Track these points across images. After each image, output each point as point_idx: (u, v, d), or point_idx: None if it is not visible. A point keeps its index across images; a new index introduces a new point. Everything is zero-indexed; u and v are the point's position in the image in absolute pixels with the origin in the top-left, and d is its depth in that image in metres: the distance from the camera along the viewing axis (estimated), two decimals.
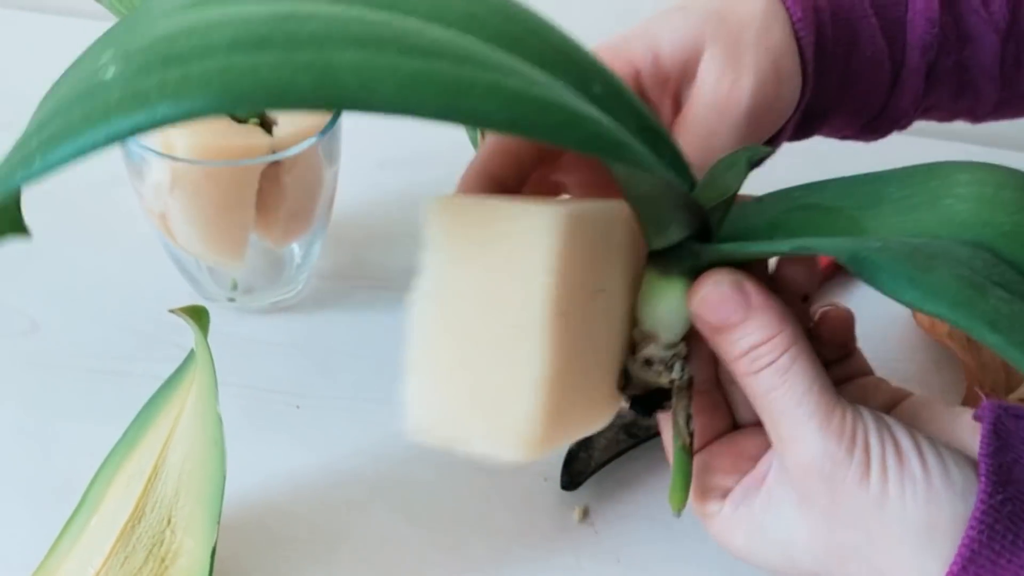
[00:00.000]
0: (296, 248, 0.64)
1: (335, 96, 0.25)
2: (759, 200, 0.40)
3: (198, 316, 0.47)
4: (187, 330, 0.50)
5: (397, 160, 0.76)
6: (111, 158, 0.58)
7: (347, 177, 0.67)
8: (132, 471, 0.49)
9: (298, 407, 0.60)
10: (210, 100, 0.25)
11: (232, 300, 0.64)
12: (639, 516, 0.56)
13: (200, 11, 0.28)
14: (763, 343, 0.36)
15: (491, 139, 0.42)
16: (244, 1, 0.29)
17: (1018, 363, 0.29)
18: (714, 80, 0.45)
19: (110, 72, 0.26)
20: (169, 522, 0.47)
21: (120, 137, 0.25)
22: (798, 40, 0.47)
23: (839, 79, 0.49)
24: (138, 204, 0.60)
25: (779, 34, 0.47)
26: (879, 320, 0.67)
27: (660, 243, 0.38)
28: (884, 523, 0.34)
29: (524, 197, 0.39)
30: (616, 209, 0.38)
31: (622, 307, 0.38)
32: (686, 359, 0.39)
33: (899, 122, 0.52)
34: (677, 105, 0.48)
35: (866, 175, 0.39)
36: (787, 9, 0.47)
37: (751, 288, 0.36)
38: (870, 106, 0.51)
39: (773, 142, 0.50)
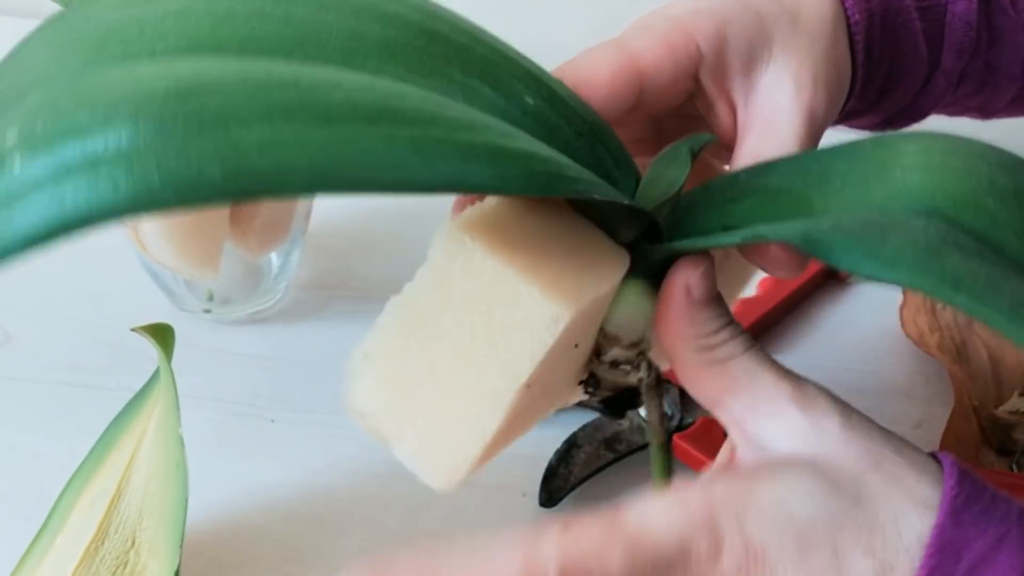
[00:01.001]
0: (274, 257, 0.63)
1: (247, 183, 0.23)
2: (706, 187, 0.39)
3: (161, 335, 0.46)
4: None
5: None
6: None
7: None
8: (97, 490, 0.48)
9: (273, 421, 0.59)
10: (118, 204, 0.23)
11: (208, 312, 0.63)
12: None
13: (100, 75, 0.26)
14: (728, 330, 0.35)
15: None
16: (147, 60, 0.27)
17: (985, 319, 0.29)
18: (789, 97, 0.43)
19: (16, 164, 0.24)
20: (133, 543, 0.46)
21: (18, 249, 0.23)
22: (852, 45, 0.45)
23: (880, 84, 0.48)
24: None
25: (844, 43, 0.45)
26: (868, 331, 0.66)
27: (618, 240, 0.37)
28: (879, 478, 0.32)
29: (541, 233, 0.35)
30: (616, 275, 0.35)
31: (591, 339, 0.37)
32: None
33: (917, 118, 0.51)
34: (728, 99, 0.44)
35: (812, 153, 0.38)
36: (846, 11, 0.45)
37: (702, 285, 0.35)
38: (897, 105, 0.49)
39: None
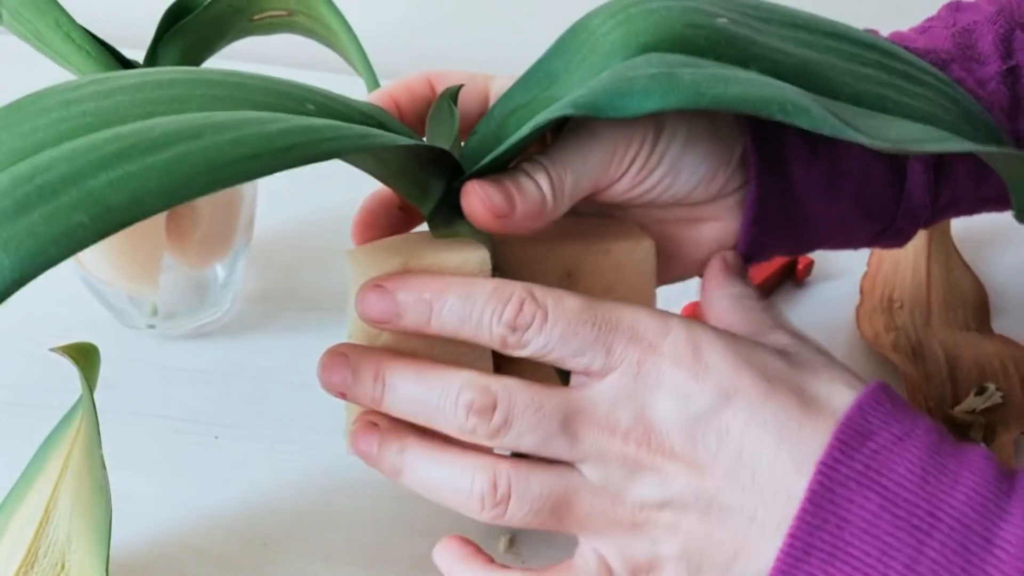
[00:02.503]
0: (219, 269, 0.62)
1: (115, 218, 0.27)
2: (474, 132, 0.44)
3: (84, 355, 0.45)
4: (106, 361, 0.48)
5: (329, 176, 0.73)
6: None
7: (278, 194, 0.65)
8: (26, 514, 0.47)
9: (216, 438, 0.58)
10: (12, 270, 0.27)
11: (152, 327, 0.62)
12: (567, 545, 0.54)
13: None
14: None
15: (366, 198, 0.46)
16: None
17: (729, 105, 0.36)
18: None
19: None
20: (63, 567, 0.45)
21: None
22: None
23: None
24: None
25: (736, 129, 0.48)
26: (822, 331, 0.64)
27: (430, 202, 0.41)
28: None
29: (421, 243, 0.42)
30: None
31: None
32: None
33: (919, 219, 0.49)
34: None
35: (533, 66, 0.43)
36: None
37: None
38: (880, 219, 0.48)
39: None
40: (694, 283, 0.47)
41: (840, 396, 0.37)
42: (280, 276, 0.68)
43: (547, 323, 0.37)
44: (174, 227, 0.57)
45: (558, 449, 0.37)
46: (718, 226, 0.45)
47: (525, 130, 0.38)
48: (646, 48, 0.39)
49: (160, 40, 0.55)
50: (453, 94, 0.41)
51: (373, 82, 0.56)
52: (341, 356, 0.40)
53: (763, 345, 0.39)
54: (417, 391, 0.38)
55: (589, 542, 0.40)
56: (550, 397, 0.37)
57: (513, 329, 0.37)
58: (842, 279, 0.69)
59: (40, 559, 0.45)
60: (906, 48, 0.50)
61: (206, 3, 0.55)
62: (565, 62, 0.41)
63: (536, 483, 0.38)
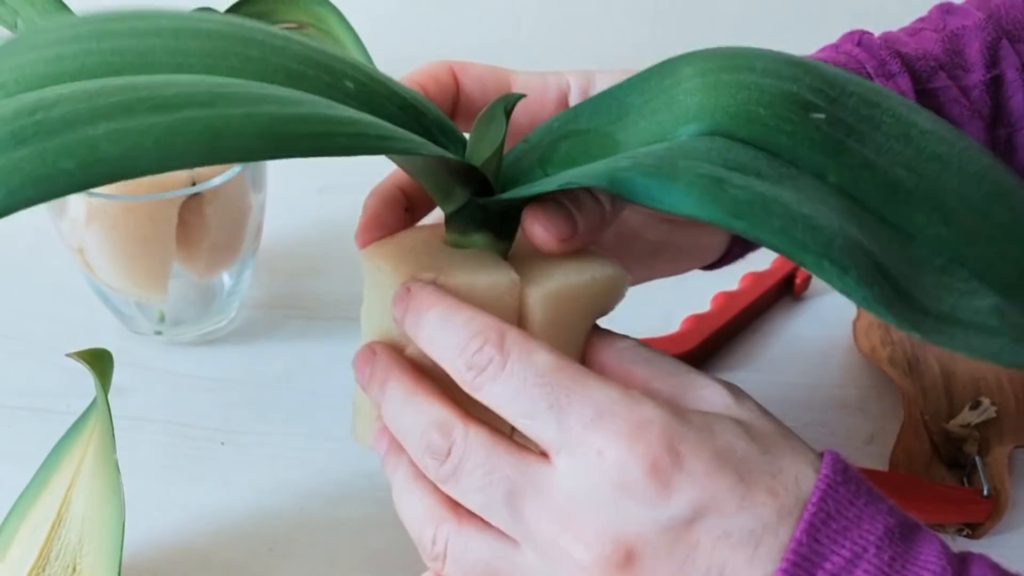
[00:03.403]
0: (226, 278, 0.63)
1: (102, 170, 0.26)
2: (526, 139, 0.42)
3: (98, 360, 0.45)
4: (114, 366, 0.49)
5: (337, 186, 0.74)
6: None
7: (284, 203, 0.66)
8: (38, 517, 0.47)
9: (223, 444, 0.58)
10: None
11: (160, 333, 0.63)
12: None
13: None
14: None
15: (373, 190, 0.44)
16: None
17: (762, 239, 0.31)
18: None
19: None
20: (75, 570, 0.46)
21: None
22: None
23: None
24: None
25: None
26: (819, 345, 0.66)
27: (451, 206, 0.39)
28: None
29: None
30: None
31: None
32: None
33: None
34: None
35: (610, 90, 0.41)
36: None
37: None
38: None
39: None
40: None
41: (805, 480, 0.33)
42: (286, 284, 0.68)
43: (503, 371, 0.34)
44: (184, 235, 0.58)
45: (500, 520, 0.35)
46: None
47: (559, 184, 0.36)
48: (721, 128, 0.36)
49: None
50: (509, 105, 0.39)
51: None
52: (370, 353, 0.39)
53: (722, 419, 0.35)
54: (399, 412, 0.37)
55: None
56: (507, 463, 0.34)
57: (469, 367, 0.35)
58: (838, 293, 0.69)
59: (52, 562, 0.46)
60: (896, 50, 0.51)
61: None
62: (641, 102, 0.39)
63: (474, 550, 0.36)
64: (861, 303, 0.31)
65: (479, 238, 0.39)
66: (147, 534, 0.53)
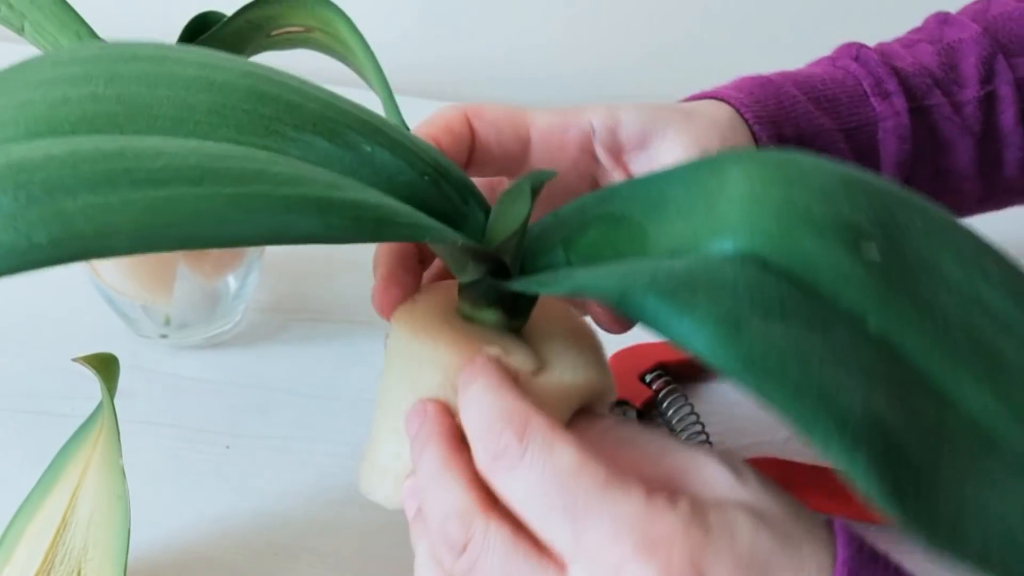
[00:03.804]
0: (231, 281, 0.63)
1: (74, 248, 0.25)
2: (556, 215, 0.39)
3: (105, 365, 0.45)
4: (120, 370, 0.49)
5: None
6: None
7: None
8: (44, 521, 0.47)
9: (228, 447, 0.58)
10: None
11: (165, 336, 0.63)
12: None
13: None
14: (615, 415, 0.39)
15: (382, 258, 0.42)
16: None
17: (771, 400, 0.28)
18: (678, 158, 0.44)
19: None
20: (79, 574, 0.46)
21: None
22: None
23: None
24: None
25: (744, 142, 0.46)
26: None
27: (464, 278, 0.38)
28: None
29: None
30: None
31: None
32: None
33: None
34: (627, 171, 0.47)
35: (653, 176, 0.38)
36: (753, 134, 0.47)
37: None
38: None
39: None
40: None
41: (825, 569, 0.31)
42: (291, 288, 0.68)
43: (521, 463, 0.32)
44: None
45: None
46: None
47: (568, 289, 0.34)
48: (757, 252, 0.32)
49: None
50: (537, 184, 0.36)
51: (389, 98, 0.57)
52: (422, 410, 0.37)
53: (737, 513, 0.32)
54: (427, 485, 0.35)
55: None
56: (524, 567, 0.32)
57: (486, 451, 0.33)
58: None
59: (57, 566, 0.46)
60: (892, 65, 0.51)
61: (225, 19, 0.56)
62: (681, 196, 0.36)
63: None
64: (865, 490, 0.27)
65: (490, 314, 0.38)
66: (152, 537, 0.53)
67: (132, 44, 0.34)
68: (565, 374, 0.37)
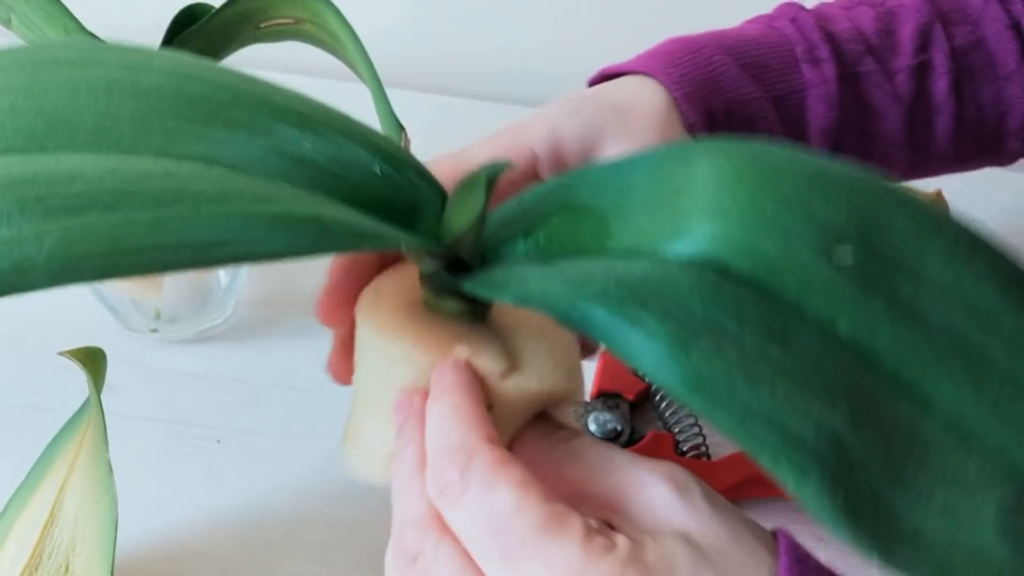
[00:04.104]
0: (222, 275, 0.63)
1: None
2: (520, 201, 0.38)
3: (91, 359, 0.45)
4: (109, 365, 0.49)
5: None
6: None
7: None
8: (31, 516, 0.47)
9: (219, 441, 0.58)
10: None
11: (155, 331, 0.63)
12: None
13: None
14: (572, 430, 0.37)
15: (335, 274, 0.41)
16: None
17: (717, 424, 0.27)
18: None
19: None
20: (67, 569, 0.45)
21: None
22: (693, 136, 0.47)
23: None
24: None
25: (679, 132, 0.46)
26: None
27: (424, 269, 0.37)
28: None
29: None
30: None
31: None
32: None
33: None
34: None
35: (621, 163, 0.36)
36: (681, 112, 0.47)
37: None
38: None
39: None
40: None
41: None
42: (282, 282, 0.68)
43: (460, 500, 0.32)
44: None
45: None
46: None
47: (514, 297, 0.32)
48: (718, 259, 0.31)
49: (167, 46, 0.55)
50: (492, 176, 0.35)
51: (379, 90, 0.56)
52: (408, 403, 0.36)
53: (677, 550, 0.32)
54: (398, 488, 0.35)
55: None
56: None
57: (432, 483, 0.33)
58: None
59: (44, 561, 0.46)
60: (828, 30, 0.50)
61: (213, 11, 0.55)
62: (647, 186, 0.34)
63: None
64: (815, 513, 0.27)
65: (453, 304, 0.37)
66: (143, 533, 0.53)
67: (55, 46, 0.33)
68: (532, 380, 0.36)
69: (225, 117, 0.32)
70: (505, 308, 0.39)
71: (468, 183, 0.35)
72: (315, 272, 0.68)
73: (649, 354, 0.28)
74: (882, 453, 0.28)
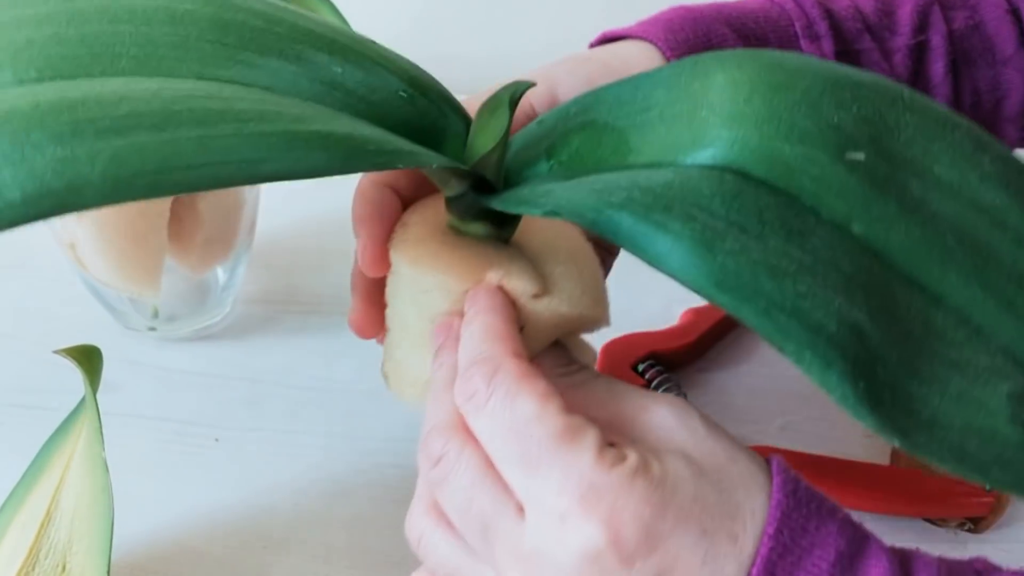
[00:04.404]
0: (220, 272, 0.62)
1: (47, 204, 0.25)
2: (540, 122, 0.39)
3: (87, 357, 0.45)
4: (106, 363, 0.49)
5: (331, 181, 0.73)
6: None
7: (278, 199, 0.65)
8: (28, 515, 0.47)
9: (217, 440, 0.58)
10: None
11: (153, 329, 0.62)
12: None
13: None
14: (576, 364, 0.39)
15: (363, 198, 0.41)
16: None
17: (744, 318, 0.29)
18: None
19: None
20: (64, 568, 0.45)
21: None
22: None
23: None
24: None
25: None
26: None
27: (449, 192, 0.38)
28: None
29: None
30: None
31: None
32: None
33: None
34: None
35: (639, 78, 0.37)
36: None
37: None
38: None
39: None
40: None
41: (760, 512, 0.33)
42: (280, 279, 0.68)
43: (485, 408, 0.34)
44: (176, 229, 0.57)
45: (472, 540, 0.35)
46: None
47: (543, 211, 0.33)
48: (737, 164, 0.32)
49: None
50: (516, 95, 0.36)
51: None
52: (447, 325, 0.38)
53: (677, 461, 0.33)
54: (431, 398, 0.37)
55: None
56: (487, 499, 0.34)
57: (460, 392, 0.35)
58: None
59: (41, 560, 0.45)
60: (827, 7, 0.50)
61: None
62: (666, 101, 0.35)
63: (443, 552, 0.36)
64: (839, 401, 0.28)
65: (479, 227, 0.38)
66: (140, 531, 0.53)
67: None
68: (563, 304, 0.38)
69: (259, 43, 0.33)
70: (532, 235, 0.40)
71: (492, 104, 0.36)
72: (310, 272, 0.68)
73: (675, 256, 0.29)
74: (899, 345, 0.29)
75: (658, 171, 0.33)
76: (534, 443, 0.33)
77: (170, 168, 0.26)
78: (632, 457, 0.32)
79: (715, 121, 0.33)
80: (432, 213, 0.40)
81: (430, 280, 0.38)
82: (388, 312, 0.41)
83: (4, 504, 0.48)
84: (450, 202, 0.39)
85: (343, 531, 0.54)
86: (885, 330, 0.29)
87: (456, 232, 0.39)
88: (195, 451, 0.57)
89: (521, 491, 0.33)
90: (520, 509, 0.33)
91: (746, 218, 0.30)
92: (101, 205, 0.26)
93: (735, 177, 0.32)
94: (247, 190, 0.60)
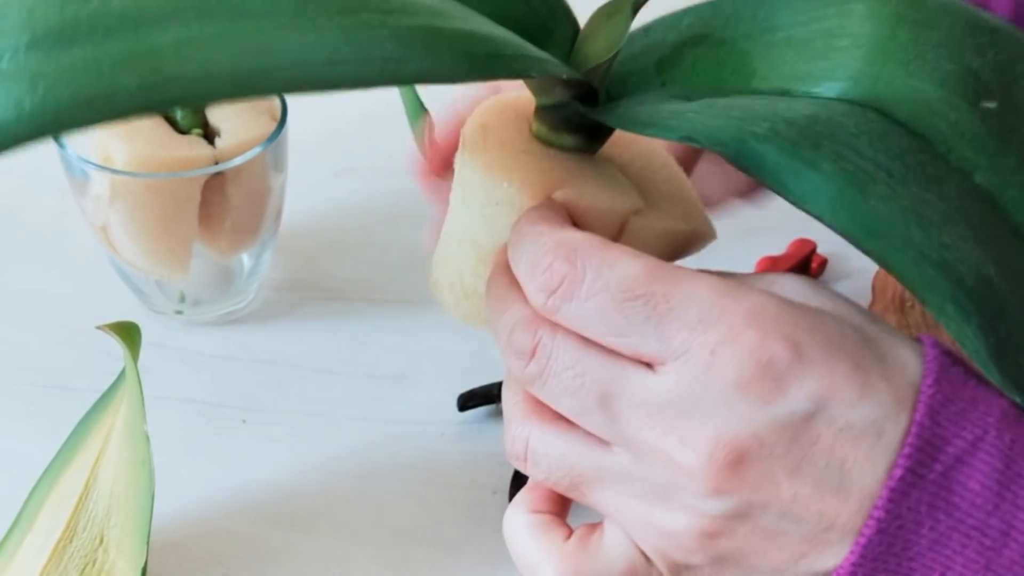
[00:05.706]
0: (245, 258, 0.63)
1: (168, 93, 0.21)
2: (648, 31, 0.37)
3: (127, 333, 0.46)
4: None
5: (353, 170, 0.74)
6: (55, 168, 0.57)
7: (301, 186, 0.66)
8: (65, 490, 0.48)
9: (244, 421, 0.59)
10: (31, 117, 0.20)
11: (180, 313, 0.63)
12: None
13: None
14: None
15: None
16: None
17: (892, 267, 0.28)
18: None
19: None
20: (102, 541, 0.46)
21: None
22: None
23: None
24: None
25: None
26: None
27: (545, 100, 0.36)
28: None
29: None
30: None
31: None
32: None
33: None
34: None
35: None
36: None
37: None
38: None
39: None
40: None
41: (911, 365, 0.31)
42: (305, 266, 0.69)
43: (581, 289, 0.31)
44: (206, 214, 0.58)
45: (592, 423, 0.33)
46: None
47: (677, 136, 0.31)
48: (879, 101, 0.31)
49: None
50: (636, 4, 0.33)
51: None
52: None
53: (824, 313, 0.32)
54: (492, 306, 0.35)
55: (619, 527, 0.35)
56: (599, 366, 0.32)
57: (540, 290, 0.32)
58: (854, 278, 0.70)
59: (79, 533, 0.46)
60: None
61: None
62: (792, 23, 0.33)
63: (557, 453, 0.34)
64: (972, 355, 0.28)
65: (569, 139, 0.36)
66: (171, 510, 0.53)
67: None
68: (676, 220, 0.36)
69: None
70: (621, 148, 0.37)
71: (610, 8, 0.34)
72: (334, 260, 0.69)
73: (824, 197, 0.28)
74: (1020, 300, 0.29)
75: (796, 101, 0.32)
76: (658, 294, 0.31)
77: (313, 61, 0.23)
78: (766, 284, 0.31)
79: (857, 54, 0.32)
80: (513, 117, 0.37)
81: (502, 193, 0.35)
82: (448, 218, 0.38)
83: (40, 480, 0.49)
84: (545, 110, 0.36)
85: (369, 512, 0.55)
86: (1010, 284, 0.29)
87: (540, 142, 0.36)
88: (223, 432, 0.58)
89: (653, 350, 0.31)
90: (642, 366, 0.31)
91: (892, 161, 0.29)
92: (229, 99, 0.23)
93: (879, 116, 0.31)
94: (274, 177, 0.60)
